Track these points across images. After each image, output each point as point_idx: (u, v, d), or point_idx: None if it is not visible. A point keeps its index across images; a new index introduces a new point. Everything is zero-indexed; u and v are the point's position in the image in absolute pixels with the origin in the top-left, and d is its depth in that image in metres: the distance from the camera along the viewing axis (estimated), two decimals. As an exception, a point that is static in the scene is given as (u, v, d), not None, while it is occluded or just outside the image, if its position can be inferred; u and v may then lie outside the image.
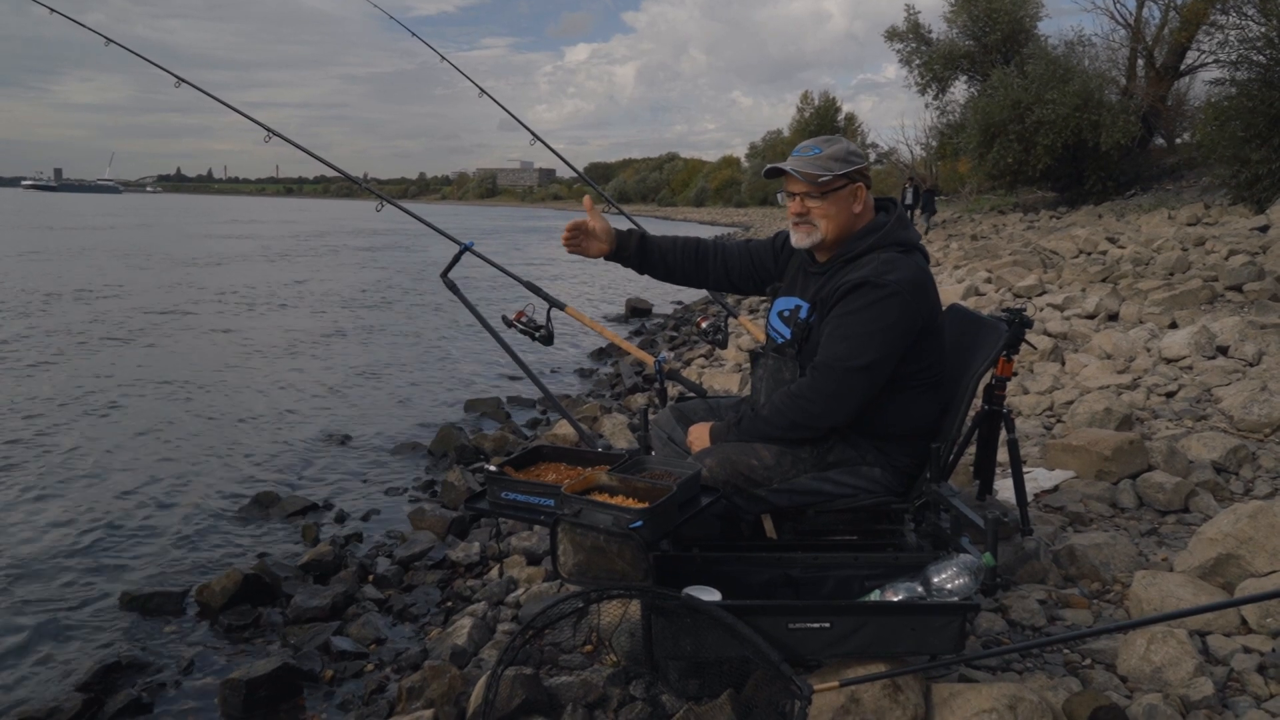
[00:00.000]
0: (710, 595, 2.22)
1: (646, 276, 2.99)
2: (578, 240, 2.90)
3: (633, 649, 2.61)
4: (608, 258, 2.93)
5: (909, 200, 25.59)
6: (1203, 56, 24.27)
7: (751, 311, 14.18)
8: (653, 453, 2.87)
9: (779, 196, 2.70)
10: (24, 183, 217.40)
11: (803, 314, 2.64)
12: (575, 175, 5.24)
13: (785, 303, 2.75)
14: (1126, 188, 23.23)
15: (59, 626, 4.10)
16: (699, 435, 2.77)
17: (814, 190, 2.56)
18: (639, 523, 2.14)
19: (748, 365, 2.95)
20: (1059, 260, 12.27)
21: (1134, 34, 26.54)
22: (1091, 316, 8.14)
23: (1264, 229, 11.63)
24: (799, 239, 2.66)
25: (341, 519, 5.45)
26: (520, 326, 3.23)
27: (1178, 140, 26.24)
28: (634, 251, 2.92)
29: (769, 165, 2.66)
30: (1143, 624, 2.53)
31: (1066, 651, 2.66)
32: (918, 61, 30.47)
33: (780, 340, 2.70)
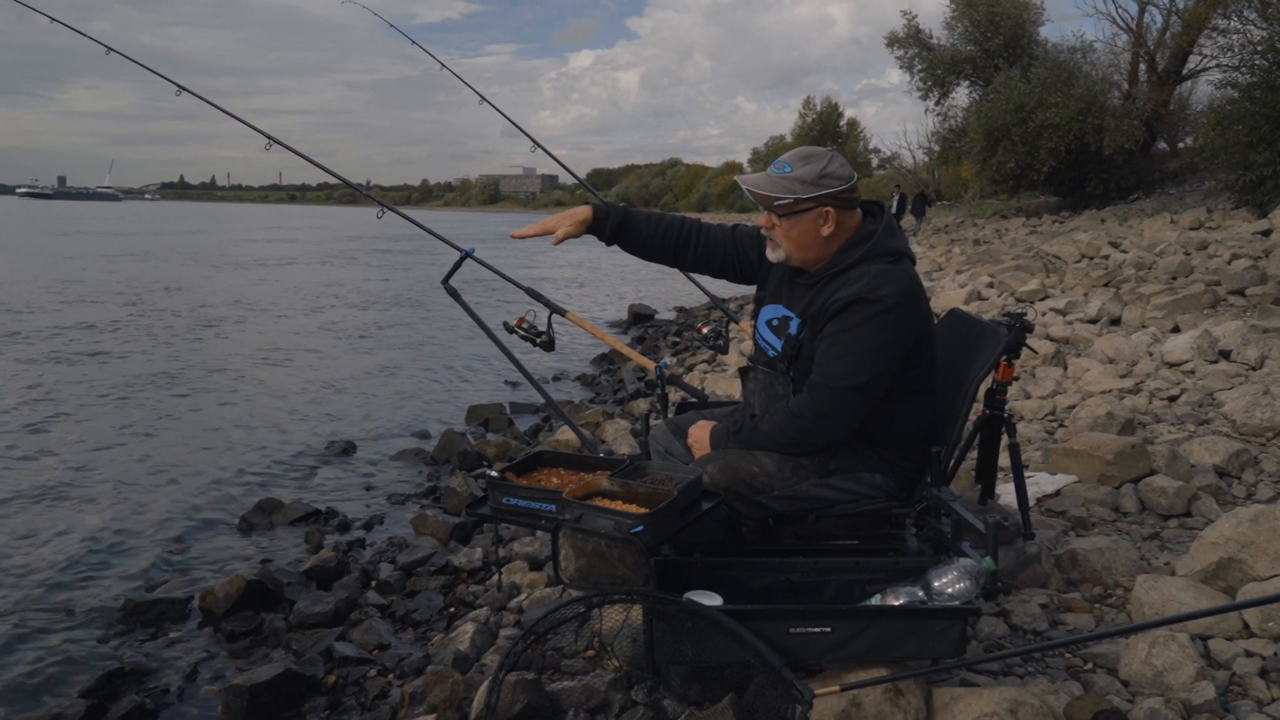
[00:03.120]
0: (711, 600, 2.22)
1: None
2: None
3: (634, 654, 2.61)
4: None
5: (894, 210, 26.09)
6: (1205, 61, 24.32)
7: (754, 317, 14.18)
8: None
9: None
10: (19, 190, 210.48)
11: (793, 328, 2.60)
12: (578, 181, 5.25)
13: (773, 310, 2.71)
14: (1129, 192, 23.24)
15: (62, 632, 4.10)
16: (699, 437, 2.76)
17: (775, 210, 2.52)
18: (640, 528, 2.15)
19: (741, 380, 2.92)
20: (1061, 265, 12.27)
21: (1136, 38, 26.58)
22: (1094, 321, 8.14)
23: (1266, 233, 11.63)
24: (769, 252, 2.63)
25: (344, 525, 5.46)
26: (521, 333, 3.23)
27: (1180, 145, 26.26)
28: (609, 234, 2.84)
29: (736, 176, 2.63)
30: (1144, 628, 2.53)
31: (1068, 655, 2.66)
32: (919, 67, 30.53)
33: (771, 353, 2.66)
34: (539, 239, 2.93)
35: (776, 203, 2.49)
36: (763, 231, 2.62)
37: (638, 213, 2.88)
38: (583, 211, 2.82)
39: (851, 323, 2.42)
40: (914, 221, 28.42)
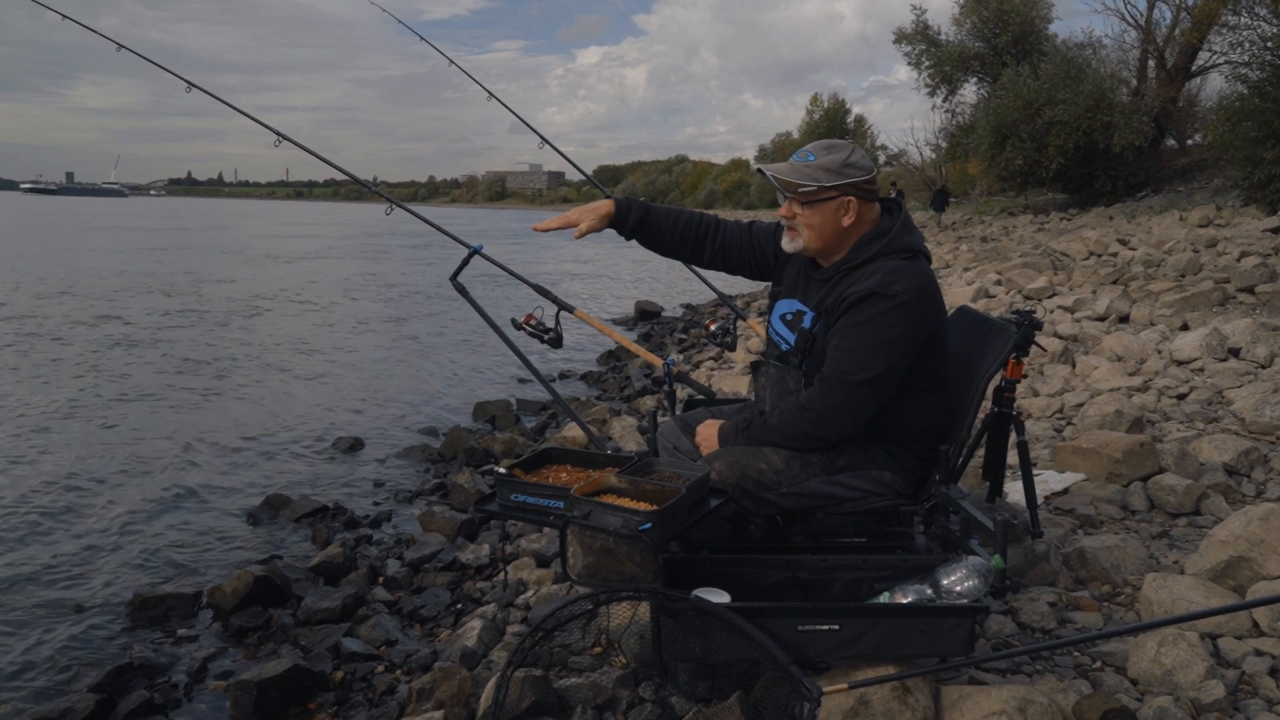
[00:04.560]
0: (719, 597, 2.22)
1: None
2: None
3: (642, 651, 2.61)
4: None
5: None
6: (1214, 57, 24.24)
7: (761, 314, 14.16)
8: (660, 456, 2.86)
9: (779, 195, 2.68)
10: (22, 186, 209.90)
11: (806, 322, 2.60)
12: (584, 178, 5.24)
13: (787, 305, 2.72)
14: (1137, 189, 23.17)
15: (72, 628, 4.12)
16: (708, 435, 2.76)
17: (798, 198, 2.53)
18: (648, 525, 2.15)
19: (751, 374, 2.92)
20: (1069, 262, 12.24)
21: (1145, 35, 26.48)
22: (1102, 319, 8.11)
23: (1276, 230, 11.59)
24: (786, 242, 2.63)
25: (352, 521, 5.47)
26: (529, 329, 3.23)
27: (1189, 141, 26.17)
28: (630, 229, 2.85)
29: (758, 165, 2.64)
30: (1153, 626, 2.52)
31: (1077, 654, 2.65)
32: (927, 63, 30.46)
33: (785, 347, 2.67)
34: (553, 232, 2.92)
35: (800, 189, 2.49)
36: (782, 222, 2.63)
37: (658, 208, 2.89)
38: (605, 206, 2.82)
39: (865, 317, 2.42)
40: (934, 214, 28.71)
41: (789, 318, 2.69)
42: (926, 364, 2.54)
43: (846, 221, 2.52)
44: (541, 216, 3.04)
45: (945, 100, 31.08)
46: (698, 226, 2.88)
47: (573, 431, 6.15)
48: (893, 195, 2.79)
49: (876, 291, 2.41)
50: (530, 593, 3.83)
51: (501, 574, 4.21)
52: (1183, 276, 9.44)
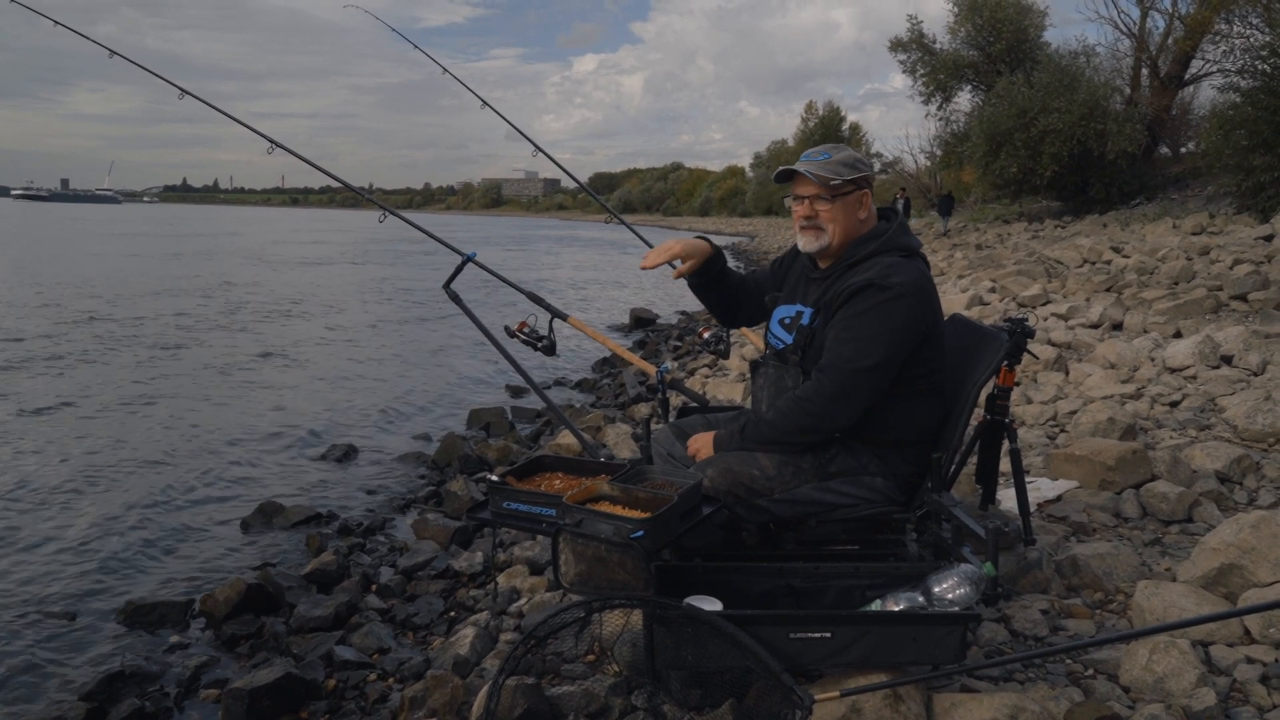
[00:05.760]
0: (712, 605, 2.22)
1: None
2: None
3: (634, 659, 2.61)
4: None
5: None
6: (1207, 66, 24.36)
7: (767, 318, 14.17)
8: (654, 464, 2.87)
9: (786, 201, 2.72)
10: (13, 192, 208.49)
11: (805, 319, 2.65)
12: (579, 185, 5.26)
13: (786, 310, 2.77)
14: (1131, 197, 23.24)
15: (63, 636, 4.10)
16: (702, 444, 2.77)
17: (825, 193, 2.59)
18: (640, 533, 2.15)
19: (750, 376, 2.95)
20: (1063, 270, 12.27)
21: (1138, 43, 26.60)
22: (1095, 326, 8.13)
23: (1269, 238, 11.63)
24: (806, 242, 2.68)
25: (345, 529, 5.45)
26: (523, 337, 3.24)
27: (1182, 149, 26.28)
28: (715, 277, 2.94)
29: (781, 168, 2.67)
30: (1145, 634, 2.52)
31: (1069, 661, 2.66)
32: (922, 71, 30.52)
33: (781, 347, 2.70)
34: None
35: (832, 183, 2.58)
36: (800, 223, 2.67)
37: (729, 278, 3.00)
38: (707, 249, 2.91)
39: (863, 307, 2.49)
40: (940, 220, 28.93)
41: (787, 320, 2.74)
42: (923, 364, 2.57)
43: (862, 215, 2.64)
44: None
45: (940, 108, 31.13)
46: (740, 287, 3.00)
47: (567, 439, 6.15)
48: (899, 201, 2.87)
49: (874, 283, 2.48)
50: (523, 600, 3.82)
51: (496, 581, 4.20)
52: (1176, 284, 9.47)
